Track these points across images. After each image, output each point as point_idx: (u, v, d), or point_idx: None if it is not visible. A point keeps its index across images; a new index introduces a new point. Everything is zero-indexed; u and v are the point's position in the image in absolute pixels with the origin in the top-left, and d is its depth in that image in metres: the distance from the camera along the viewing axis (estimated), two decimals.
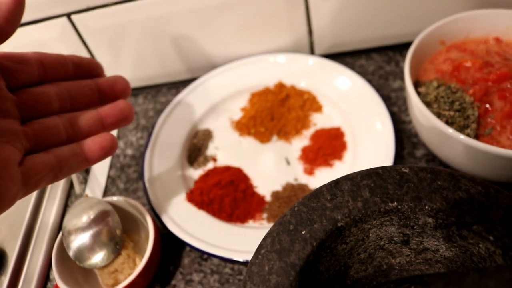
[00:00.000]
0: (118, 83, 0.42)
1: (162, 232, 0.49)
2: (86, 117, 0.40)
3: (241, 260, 0.44)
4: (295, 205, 0.33)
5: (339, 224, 0.31)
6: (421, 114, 0.45)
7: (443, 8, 0.58)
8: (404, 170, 0.33)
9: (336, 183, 0.33)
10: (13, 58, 0.36)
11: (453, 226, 0.31)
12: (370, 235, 0.33)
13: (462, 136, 0.41)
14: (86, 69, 0.41)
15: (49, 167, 0.36)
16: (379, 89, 0.58)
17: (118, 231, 0.47)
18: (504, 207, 0.31)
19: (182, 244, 0.48)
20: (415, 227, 0.33)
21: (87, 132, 0.40)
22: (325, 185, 0.33)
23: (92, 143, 0.39)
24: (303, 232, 0.31)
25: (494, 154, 0.41)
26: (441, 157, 0.48)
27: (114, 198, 0.49)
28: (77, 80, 0.41)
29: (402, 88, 0.58)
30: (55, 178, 0.37)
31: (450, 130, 0.42)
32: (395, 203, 0.32)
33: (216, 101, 0.60)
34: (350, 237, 0.32)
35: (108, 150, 0.40)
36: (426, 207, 0.31)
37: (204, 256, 0.48)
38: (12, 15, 0.32)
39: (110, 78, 0.42)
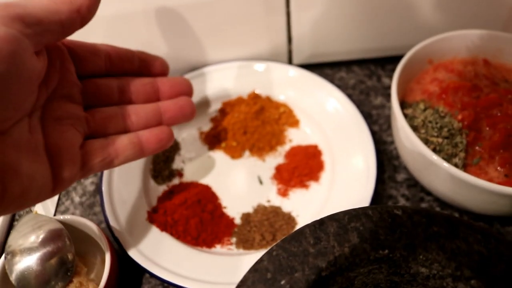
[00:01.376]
0: (181, 85, 0.45)
1: (121, 254, 0.45)
2: (146, 110, 0.42)
3: None
4: (273, 248, 0.29)
5: (323, 274, 0.28)
6: (407, 140, 0.42)
7: (428, 25, 0.55)
8: (396, 212, 0.30)
9: (320, 224, 0.30)
10: (86, 48, 0.39)
11: (449, 278, 0.28)
12: (356, 282, 0.30)
13: (448, 166, 0.39)
14: (151, 66, 0.44)
15: (106, 153, 0.38)
16: (359, 105, 0.55)
17: (69, 255, 0.42)
18: (506, 260, 0.28)
19: (142, 270, 0.44)
20: (405, 275, 0.30)
21: (145, 124, 0.42)
22: (307, 226, 0.30)
23: (149, 134, 0.41)
24: (282, 282, 0.27)
25: (480, 188, 0.38)
26: (424, 183, 0.45)
27: (67, 217, 0.44)
28: (140, 76, 0.43)
29: (384, 106, 0.56)
30: (110, 165, 0.39)
31: (438, 159, 0.39)
32: (387, 251, 0.28)
33: None
34: (334, 285, 0.29)
35: (164, 143, 0.42)
36: (421, 257, 0.28)
37: (165, 284, 0.44)
38: (94, 3, 0.34)
39: (173, 78, 0.45)
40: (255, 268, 0.28)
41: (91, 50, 0.39)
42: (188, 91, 0.46)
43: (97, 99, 0.40)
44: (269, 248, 0.44)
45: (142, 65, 0.43)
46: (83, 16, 0.33)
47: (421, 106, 0.46)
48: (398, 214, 0.29)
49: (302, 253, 0.28)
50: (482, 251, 0.28)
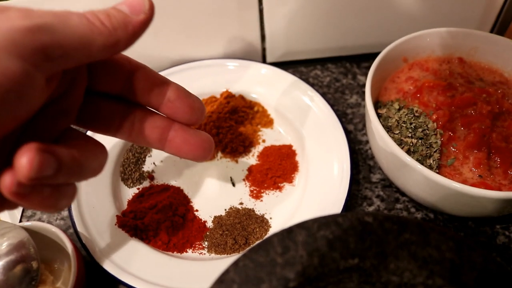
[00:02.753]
0: (196, 146, 0.35)
1: (89, 261, 0.43)
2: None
3: None
4: (239, 258, 0.28)
5: (291, 285, 0.27)
6: (382, 141, 0.41)
7: (403, 23, 0.55)
8: (367, 219, 0.29)
9: (288, 233, 0.29)
10: (108, 65, 0.32)
11: (420, 286, 0.28)
12: None
13: (422, 168, 0.38)
14: (180, 107, 0.34)
15: None
16: (334, 104, 0.55)
17: (34, 263, 0.40)
18: (478, 268, 0.27)
19: (111, 277, 0.42)
20: (376, 284, 0.29)
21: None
22: (275, 235, 0.29)
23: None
24: None
25: (454, 190, 0.37)
26: (399, 185, 0.45)
27: (31, 223, 0.42)
28: (156, 114, 0.34)
29: (359, 104, 0.55)
30: None
31: (412, 161, 0.38)
32: (357, 259, 0.28)
33: None
34: None
35: None
36: (391, 265, 0.28)
37: None
38: (137, 34, 0.28)
39: (193, 135, 0.35)
40: (221, 280, 0.27)
41: (114, 68, 0.32)
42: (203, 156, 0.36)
43: (92, 124, 0.33)
44: (241, 252, 0.44)
45: (172, 104, 0.34)
46: (117, 50, 0.27)
47: (396, 105, 0.45)
48: (368, 221, 0.29)
49: (270, 263, 0.27)
50: (454, 259, 0.27)
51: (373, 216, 0.29)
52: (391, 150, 0.40)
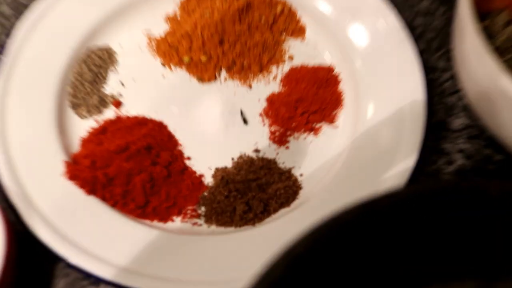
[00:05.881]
0: None
1: (22, 231, 0.40)
2: None
3: None
4: None
5: None
6: (484, 69, 0.36)
7: None
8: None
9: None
10: None
11: None
12: None
13: None
14: None
15: None
16: (398, 10, 0.49)
17: None
18: None
19: (55, 256, 0.39)
20: None
21: None
22: None
23: None
24: None
25: None
26: (501, 135, 0.40)
27: None
28: None
29: (434, 12, 0.51)
30: None
31: None
32: None
33: (124, 0, 0.49)
34: None
35: None
36: None
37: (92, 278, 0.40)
38: None
39: None
40: None
41: None
42: None
43: None
44: (258, 226, 0.39)
45: None
46: None
47: (503, 17, 0.40)
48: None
49: None
50: None
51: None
52: (498, 83, 0.35)
